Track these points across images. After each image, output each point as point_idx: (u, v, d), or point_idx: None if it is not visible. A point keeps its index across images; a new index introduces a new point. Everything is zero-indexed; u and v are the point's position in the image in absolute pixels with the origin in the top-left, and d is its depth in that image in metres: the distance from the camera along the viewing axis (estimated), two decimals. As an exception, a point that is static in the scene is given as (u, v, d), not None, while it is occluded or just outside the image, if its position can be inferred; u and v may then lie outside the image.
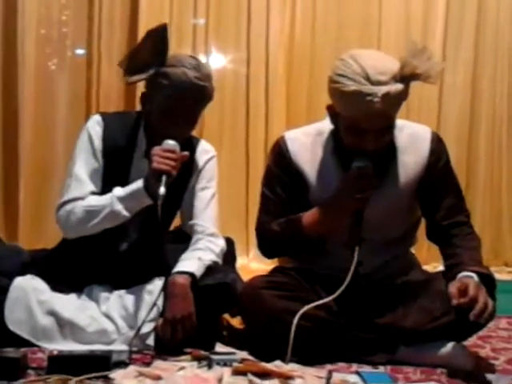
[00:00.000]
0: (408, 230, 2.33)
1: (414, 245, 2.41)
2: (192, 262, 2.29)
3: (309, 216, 2.17)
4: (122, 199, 2.24)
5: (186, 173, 2.41)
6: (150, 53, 2.27)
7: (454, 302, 1.95)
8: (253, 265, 4.21)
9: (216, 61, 4.46)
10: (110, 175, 2.34)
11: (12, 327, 2.19)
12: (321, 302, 2.09)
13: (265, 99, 4.40)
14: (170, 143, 2.20)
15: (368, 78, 1.99)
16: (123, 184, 2.29)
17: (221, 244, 2.42)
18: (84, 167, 2.32)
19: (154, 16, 4.32)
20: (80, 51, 4.31)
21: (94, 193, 2.31)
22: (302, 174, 2.23)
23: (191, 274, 2.24)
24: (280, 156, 2.27)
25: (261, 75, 4.39)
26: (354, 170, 2.09)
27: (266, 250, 2.30)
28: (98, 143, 2.34)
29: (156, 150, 2.18)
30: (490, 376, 2.05)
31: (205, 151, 2.49)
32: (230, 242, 2.64)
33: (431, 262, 4.40)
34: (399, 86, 2.01)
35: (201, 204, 2.44)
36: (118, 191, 2.25)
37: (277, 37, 4.41)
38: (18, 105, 4.01)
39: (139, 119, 2.40)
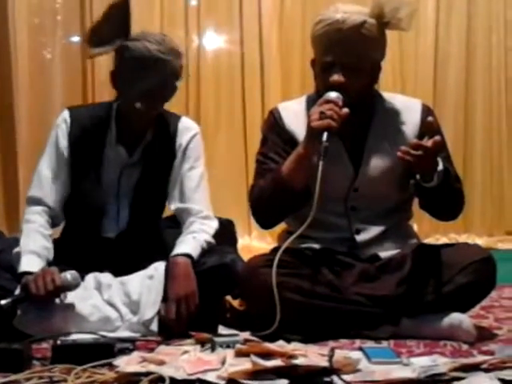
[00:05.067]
0: (402, 201, 2.35)
1: (410, 219, 2.41)
2: (187, 243, 2.31)
3: (288, 159, 2.19)
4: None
5: (169, 153, 2.41)
6: (112, 25, 2.28)
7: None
8: (254, 243, 4.23)
9: (210, 42, 4.45)
10: (82, 165, 2.39)
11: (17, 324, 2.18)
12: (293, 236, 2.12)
13: (260, 78, 4.40)
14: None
15: (336, 10, 2.18)
16: (96, 172, 2.37)
17: (214, 226, 2.42)
18: (47, 166, 2.40)
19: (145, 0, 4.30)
20: (74, 39, 4.30)
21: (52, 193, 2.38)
22: (295, 138, 2.25)
23: (189, 255, 2.26)
24: (273, 123, 2.33)
25: (255, 54, 4.38)
26: (323, 97, 2.15)
27: (257, 211, 2.29)
28: (63, 141, 2.40)
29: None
30: (493, 346, 2.05)
31: (187, 129, 2.45)
32: (230, 224, 2.66)
33: (433, 234, 4.42)
34: (360, 17, 2.15)
35: (191, 184, 2.42)
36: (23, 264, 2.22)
37: (269, 15, 4.39)
38: (13, 95, 4.00)
39: (110, 107, 2.42)
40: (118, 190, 2.40)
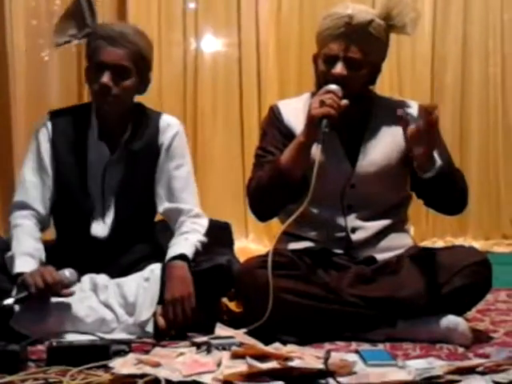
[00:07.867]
0: (398, 203, 2.37)
1: (406, 222, 2.42)
2: (181, 244, 2.31)
3: (287, 148, 2.21)
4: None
5: (151, 151, 2.39)
6: (70, 18, 2.32)
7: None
8: (251, 246, 4.22)
9: (207, 45, 4.44)
10: (66, 168, 2.38)
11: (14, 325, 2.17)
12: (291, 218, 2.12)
13: (257, 81, 4.39)
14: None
15: (346, 7, 2.22)
16: (82, 170, 2.36)
17: (205, 224, 2.42)
18: (31, 172, 2.39)
19: (142, 3, 4.30)
20: (71, 41, 4.28)
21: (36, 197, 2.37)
22: (294, 134, 2.27)
23: (184, 256, 2.26)
24: (273, 118, 2.36)
25: (252, 57, 4.37)
26: (324, 88, 2.19)
27: (255, 202, 2.30)
28: (45, 146, 2.38)
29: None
30: (489, 349, 2.05)
31: (168, 126, 2.42)
32: (227, 227, 2.65)
33: (430, 237, 4.42)
34: (369, 16, 2.20)
35: (178, 184, 2.41)
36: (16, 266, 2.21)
37: (266, 19, 4.39)
38: (10, 97, 3.98)
39: (90, 106, 2.41)
40: (102, 188, 2.39)
